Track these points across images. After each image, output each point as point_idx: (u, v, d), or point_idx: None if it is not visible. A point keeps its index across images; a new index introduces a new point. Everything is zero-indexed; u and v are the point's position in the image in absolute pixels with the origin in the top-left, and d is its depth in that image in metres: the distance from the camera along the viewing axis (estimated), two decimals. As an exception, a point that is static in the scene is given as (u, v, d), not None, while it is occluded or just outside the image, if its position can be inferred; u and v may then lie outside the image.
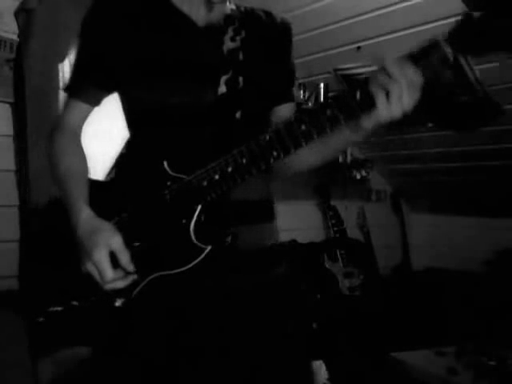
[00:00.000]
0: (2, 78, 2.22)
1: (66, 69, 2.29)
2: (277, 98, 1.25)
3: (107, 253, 1.02)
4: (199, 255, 1.04)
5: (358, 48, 2.55)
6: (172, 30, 1.14)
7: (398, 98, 0.92)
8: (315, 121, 0.97)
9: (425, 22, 2.21)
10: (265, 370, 1.15)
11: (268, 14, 1.26)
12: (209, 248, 1.04)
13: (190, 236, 1.05)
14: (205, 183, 1.03)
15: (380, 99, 0.93)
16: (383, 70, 0.93)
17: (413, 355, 2.41)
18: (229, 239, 1.07)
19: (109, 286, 1.04)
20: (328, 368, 2.44)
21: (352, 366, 2.66)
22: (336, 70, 2.80)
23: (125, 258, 1.03)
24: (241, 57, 1.15)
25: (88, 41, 1.19)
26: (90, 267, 1.04)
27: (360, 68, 2.66)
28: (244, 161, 1.00)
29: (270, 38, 1.23)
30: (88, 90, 1.19)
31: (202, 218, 1.06)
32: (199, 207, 1.05)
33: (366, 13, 2.31)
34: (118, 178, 1.20)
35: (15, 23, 2.21)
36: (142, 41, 1.12)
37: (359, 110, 0.95)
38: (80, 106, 1.20)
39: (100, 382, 1.35)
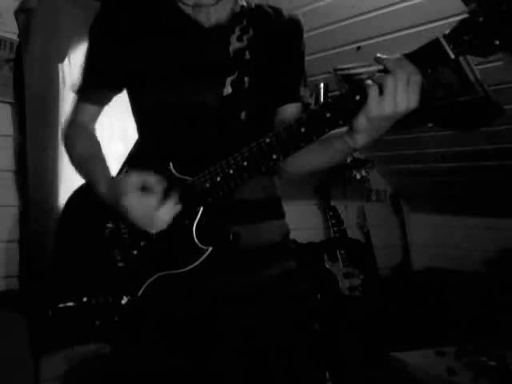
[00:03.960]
0: (2, 78, 2.22)
1: (65, 69, 2.29)
2: (281, 98, 1.24)
3: (139, 194, 1.00)
4: (201, 256, 1.06)
5: (358, 48, 2.55)
6: (178, 33, 1.15)
7: (392, 94, 0.89)
8: (314, 123, 0.97)
9: (425, 22, 2.21)
10: (274, 369, 1.15)
11: (277, 11, 1.24)
12: (210, 249, 1.06)
13: (192, 237, 1.06)
14: (207, 185, 1.05)
15: (372, 91, 0.91)
16: (382, 68, 0.91)
17: (413, 355, 2.41)
18: (231, 239, 1.08)
19: (160, 218, 1.01)
20: (328, 368, 2.44)
21: (352, 366, 2.66)
22: (336, 69, 2.79)
23: (154, 181, 1.01)
24: (247, 56, 1.15)
25: (96, 43, 1.20)
26: (134, 215, 1.01)
27: (360, 68, 2.66)
28: (245, 163, 1.02)
29: (277, 36, 1.21)
30: (97, 92, 1.21)
31: (205, 219, 1.07)
32: (201, 208, 1.07)
33: (365, 13, 2.30)
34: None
35: (15, 23, 2.21)
36: (148, 43, 1.13)
37: (356, 110, 0.94)
38: (89, 108, 1.23)
39: (105, 379, 1.36)
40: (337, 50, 2.65)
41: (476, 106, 2.53)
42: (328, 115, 0.95)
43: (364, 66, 2.60)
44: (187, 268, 1.06)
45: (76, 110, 1.24)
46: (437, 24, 2.16)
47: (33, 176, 2.20)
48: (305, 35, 1.28)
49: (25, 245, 2.24)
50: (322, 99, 2.91)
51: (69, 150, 1.24)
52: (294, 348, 1.17)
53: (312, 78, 2.92)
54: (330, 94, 2.93)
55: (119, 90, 1.22)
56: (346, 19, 2.39)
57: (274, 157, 1.00)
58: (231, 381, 1.16)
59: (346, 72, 2.76)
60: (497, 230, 3.28)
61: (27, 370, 1.93)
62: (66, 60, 2.28)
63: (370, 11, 2.28)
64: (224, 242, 1.07)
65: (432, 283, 3.34)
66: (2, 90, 2.22)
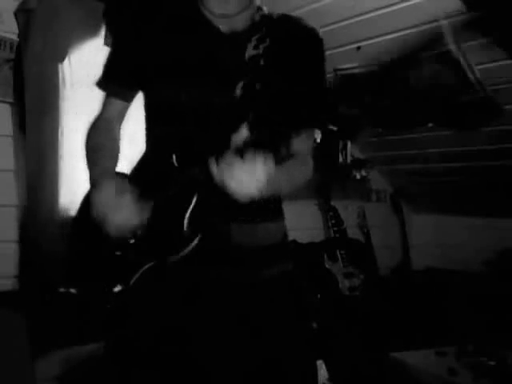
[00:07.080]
0: (2, 78, 2.22)
1: (65, 69, 2.29)
2: (296, 123, 1.12)
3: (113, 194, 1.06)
4: (189, 245, 1.08)
5: (358, 48, 2.55)
6: (195, 35, 1.18)
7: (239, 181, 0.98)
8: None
9: (425, 22, 2.21)
10: (269, 366, 1.17)
11: (300, 24, 1.25)
12: (197, 238, 1.08)
13: (182, 226, 1.09)
14: (202, 177, 1.07)
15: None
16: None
17: (413, 355, 2.41)
18: (219, 231, 1.11)
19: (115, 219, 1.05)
20: (328, 368, 2.44)
21: (352, 366, 2.66)
22: (336, 69, 2.79)
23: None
24: (261, 63, 1.18)
25: (120, 42, 1.26)
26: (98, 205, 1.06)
27: (360, 68, 2.66)
28: None
29: (295, 50, 1.22)
30: (120, 88, 1.25)
31: (199, 210, 1.09)
32: (195, 198, 1.09)
33: (365, 13, 2.31)
34: (136, 170, 1.24)
35: (15, 23, 2.21)
36: (168, 44, 1.17)
37: None
38: (115, 102, 1.26)
39: (96, 369, 1.37)
40: (337, 50, 2.65)
41: (476, 105, 2.53)
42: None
43: (364, 66, 2.60)
44: (176, 257, 1.08)
45: (103, 105, 1.27)
46: (437, 24, 2.16)
47: (32, 176, 2.20)
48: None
49: (24, 245, 2.24)
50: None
51: (87, 158, 1.25)
52: (288, 345, 1.19)
53: (312, 78, 2.94)
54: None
55: (141, 88, 1.25)
56: (346, 19, 2.39)
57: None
58: (222, 374, 1.17)
59: (346, 72, 2.76)
60: (497, 230, 3.28)
61: (27, 370, 1.93)
62: (66, 60, 2.28)
63: (370, 11, 2.28)
64: (212, 233, 1.10)
65: (432, 283, 3.34)
66: (2, 90, 2.23)
